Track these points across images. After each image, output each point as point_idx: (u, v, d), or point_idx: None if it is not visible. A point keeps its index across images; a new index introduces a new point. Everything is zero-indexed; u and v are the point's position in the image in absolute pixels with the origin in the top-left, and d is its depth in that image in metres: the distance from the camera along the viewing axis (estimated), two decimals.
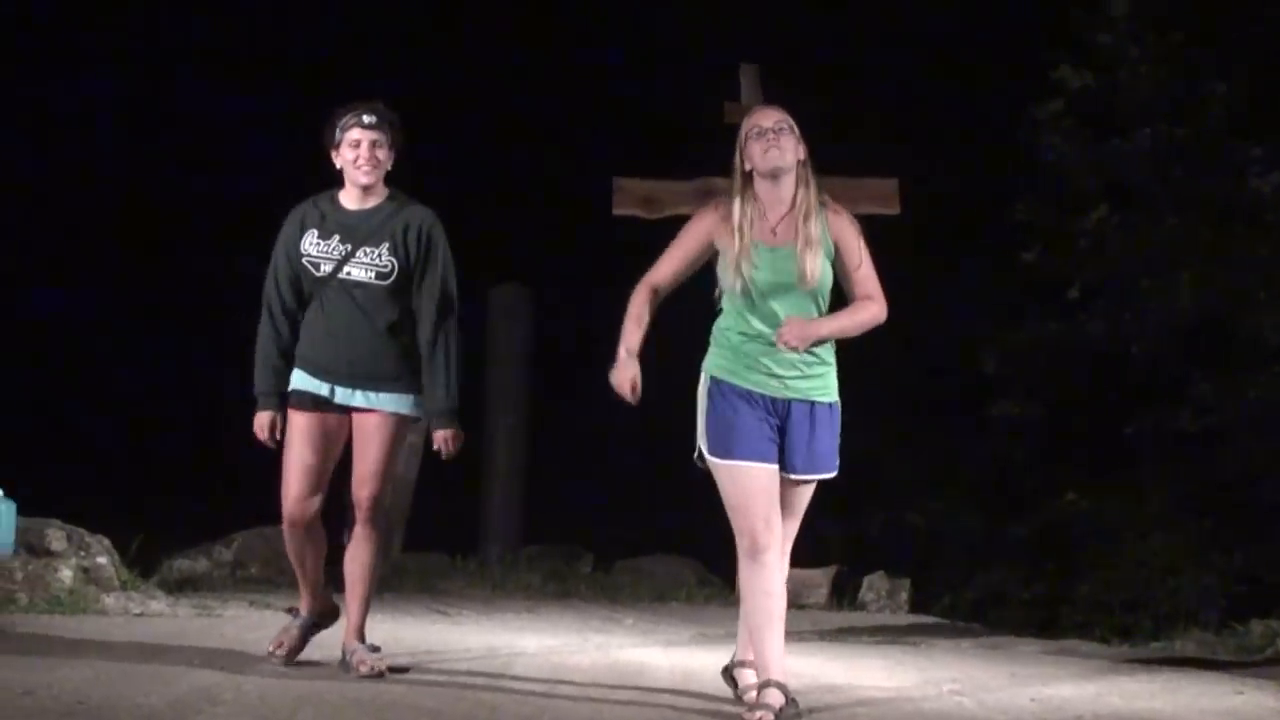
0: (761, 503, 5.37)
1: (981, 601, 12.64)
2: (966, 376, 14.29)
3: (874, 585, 10.72)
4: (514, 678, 6.07)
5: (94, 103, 17.48)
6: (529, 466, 14.07)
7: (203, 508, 12.15)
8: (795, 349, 5.38)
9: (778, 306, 5.44)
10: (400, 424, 6.03)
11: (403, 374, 5.99)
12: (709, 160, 11.22)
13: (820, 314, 5.51)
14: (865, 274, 5.61)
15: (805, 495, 5.57)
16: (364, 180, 5.97)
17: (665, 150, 13.14)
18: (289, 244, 5.99)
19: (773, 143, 5.49)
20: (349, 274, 5.92)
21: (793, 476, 5.47)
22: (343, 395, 5.95)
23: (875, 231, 11.21)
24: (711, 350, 5.56)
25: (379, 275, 5.93)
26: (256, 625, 7.46)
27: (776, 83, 11.32)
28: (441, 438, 6.02)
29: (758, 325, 5.44)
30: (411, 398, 6.01)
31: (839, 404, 5.58)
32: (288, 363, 5.99)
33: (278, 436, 6.00)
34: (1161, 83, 13.62)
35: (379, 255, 5.94)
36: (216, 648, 6.44)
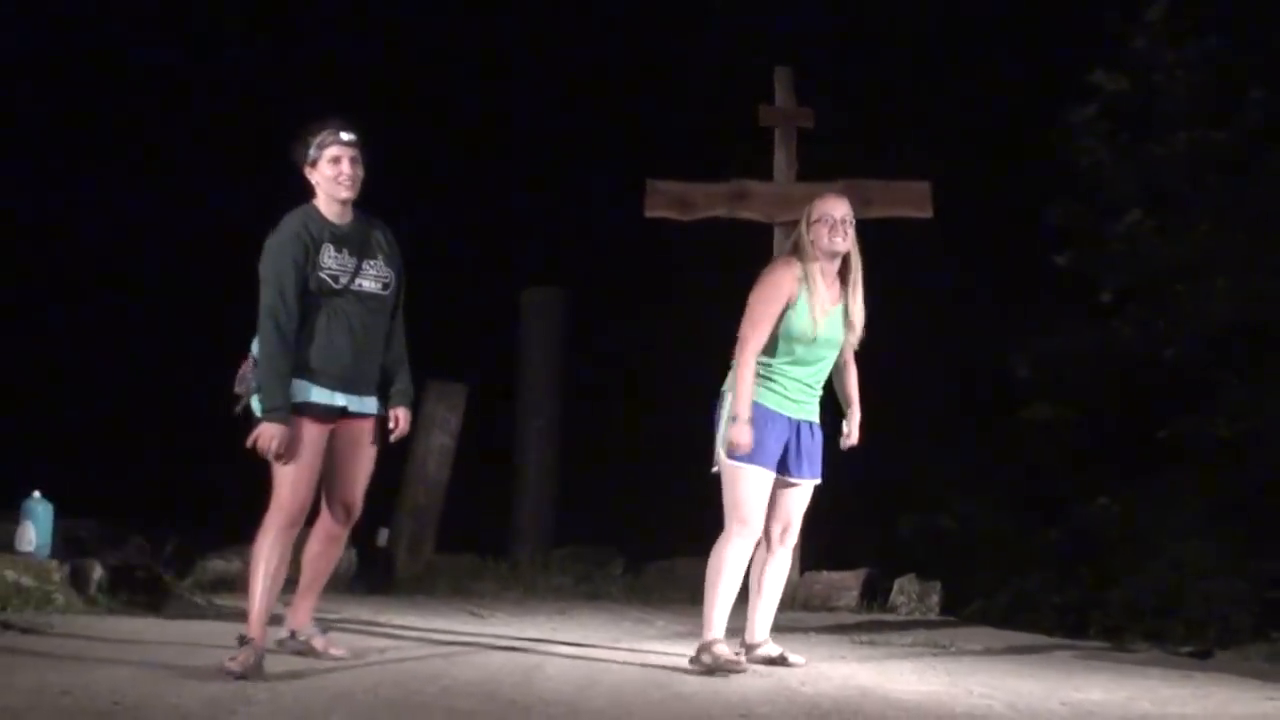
0: (765, 500, 6.73)
1: (1013, 605, 12.58)
2: (999, 380, 14.25)
3: (905, 588, 10.71)
4: (546, 679, 6.10)
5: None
6: (560, 468, 14.10)
7: (237, 508, 12.19)
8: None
9: (823, 353, 6.75)
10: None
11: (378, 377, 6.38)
12: (742, 162, 11.27)
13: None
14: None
15: (802, 495, 6.92)
16: (345, 195, 6.20)
17: (699, 152, 13.15)
18: (297, 263, 6.07)
19: (838, 232, 6.74)
20: (360, 285, 6.21)
21: (797, 480, 6.83)
22: (351, 403, 6.23)
23: (909, 235, 11.28)
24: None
25: (384, 286, 6.28)
26: None
27: (810, 86, 11.33)
28: (405, 415, 6.42)
29: (805, 365, 6.72)
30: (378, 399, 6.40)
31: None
32: (291, 375, 6.08)
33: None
34: (1197, 87, 13.56)
35: (380, 267, 6.28)
36: None
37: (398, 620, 8.28)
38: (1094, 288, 13.73)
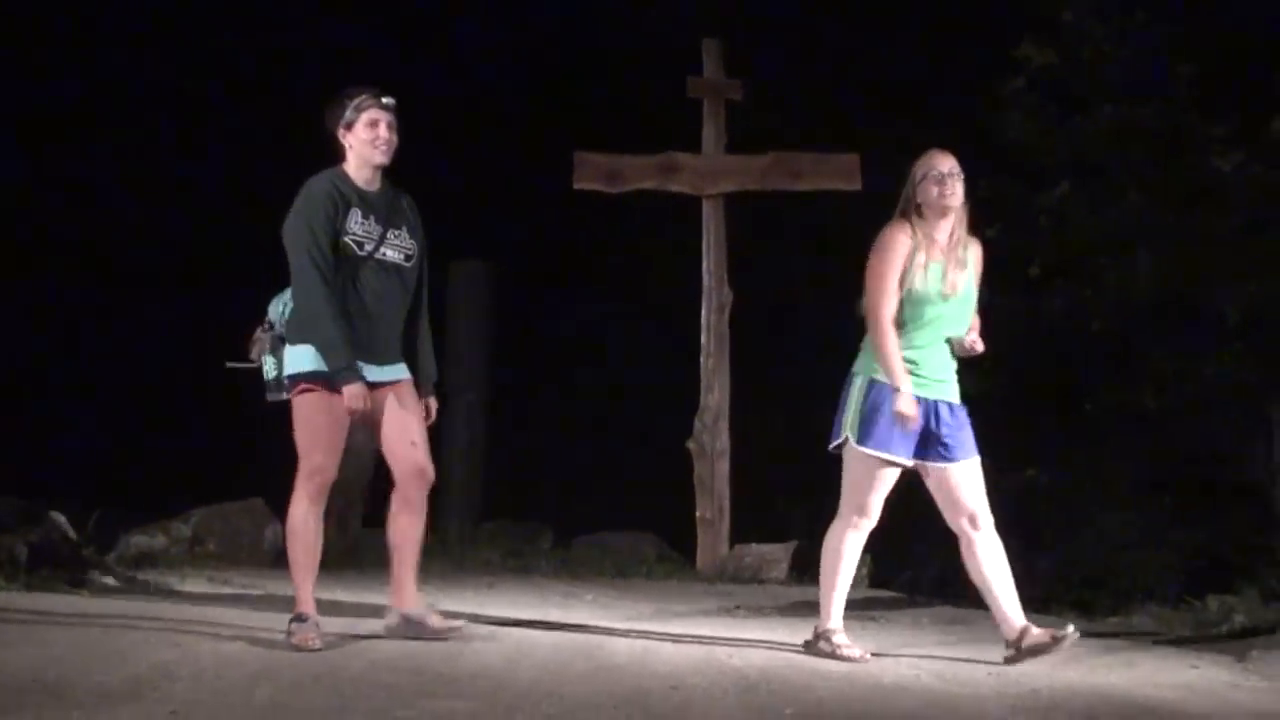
0: (887, 490, 6.46)
1: (941, 577, 12.64)
2: None
3: None
4: (474, 652, 6.05)
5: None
6: (489, 442, 14.03)
7: (160, 483, 12.07)
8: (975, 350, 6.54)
9: (954, 315, 6.51)
10: None
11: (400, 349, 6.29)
12: (671, 135, 11.23)
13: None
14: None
15: (965, 477, 6.55)
16: (380, 160, 6.18)
17: (628, 125, 13.10)
18: (329, 220, 6.01)
19: (948, 186, 6.54)
20: (384, 255, 6.14)
21: (949, 463, 6.49)
22: (372, 372, 6.12)
23: (837, 208, 11.27)
24: (870, 356, 6.45)
25: (406, 257, 6.21)
26: (214, 602, 7.42)
27: (739, 58, 11.30)
28: (433, 405, 6.50)
29: (936, 331, 6.48)
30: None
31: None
32: (347, 328, 6.02)
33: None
34: (1125, 61, 13.63)
35: (404, 238, 6.22)
36: (174, 624, 6.40)
37: (325, 595, 8.16)
38: (1022, 261, 13.78)
